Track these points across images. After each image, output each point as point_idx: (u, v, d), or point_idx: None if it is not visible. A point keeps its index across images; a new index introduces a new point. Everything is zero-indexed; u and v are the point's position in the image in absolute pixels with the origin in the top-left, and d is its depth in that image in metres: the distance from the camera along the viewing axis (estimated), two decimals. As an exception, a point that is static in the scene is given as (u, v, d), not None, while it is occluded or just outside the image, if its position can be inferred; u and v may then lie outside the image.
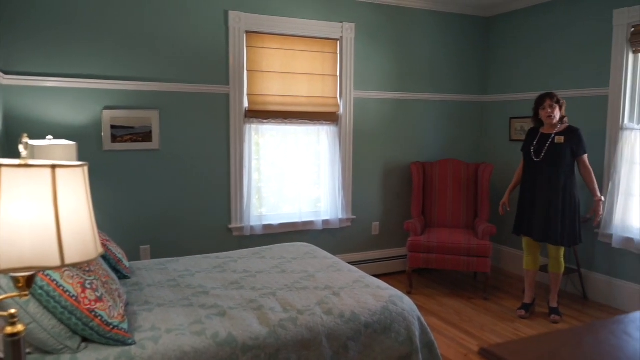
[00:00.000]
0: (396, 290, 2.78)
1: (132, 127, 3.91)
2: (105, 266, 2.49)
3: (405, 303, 2.65)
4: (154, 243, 4.07)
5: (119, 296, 2.25)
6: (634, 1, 3.94)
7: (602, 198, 3.84)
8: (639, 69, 4.04)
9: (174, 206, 4.12)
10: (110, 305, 2.06)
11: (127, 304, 2.41)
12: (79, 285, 1.99)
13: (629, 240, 4.02)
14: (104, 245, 2.77)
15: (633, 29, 3.98)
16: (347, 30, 4.63)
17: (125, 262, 2.93)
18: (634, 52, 4.02)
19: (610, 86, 4.13)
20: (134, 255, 3.90)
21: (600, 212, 3.83)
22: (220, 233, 4.32)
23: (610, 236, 4.12)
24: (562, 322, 3.88)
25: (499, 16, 5.22)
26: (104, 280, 2.20)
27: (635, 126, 4.03)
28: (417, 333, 2.58)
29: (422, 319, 2.68)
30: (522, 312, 3.98)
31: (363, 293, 2.68)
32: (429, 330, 2.67)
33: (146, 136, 3.96)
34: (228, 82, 4.21)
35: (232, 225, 4.35)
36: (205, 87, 4.14)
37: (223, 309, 2.43)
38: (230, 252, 3.55)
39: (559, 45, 4.60)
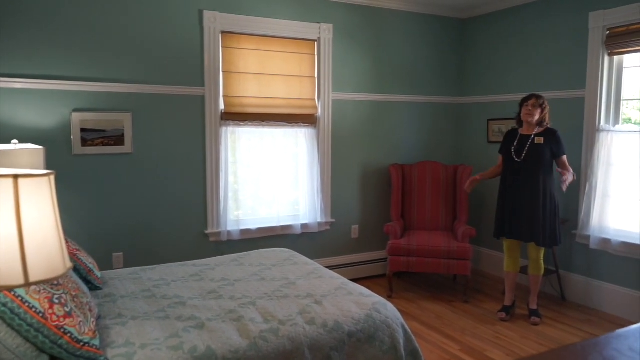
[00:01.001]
0: (379, 297, 2.72)
1: (103, 130, 3.76)
2: (75, 278, 2.36)
3: (389, 310, 2.59)
4: (128, 250, 3.93)
5: (90, 310, 2.13)
6: (609, 4, 3.97)
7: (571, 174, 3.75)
8: (614, 71, 4.08)
9: (148, 212, 3.99)
10: (80, 321, 1.94)
11: (98, 318, 2.28)
12: (46, 300, 1.87)
13: (606, 241, 4.05)
14: (73, 254, 2.64)
15: (608, 32, 4.02)
16: (324, 31, 4.56)
17: (97, 272, 2.79)
18: (610, 55, 4.05)
19: (587, 88, 4.17)
20: (106, 264, 3.75)
21: (567, 179, 3.69)
22: (197, 239, 4.20)
23: (588, 237, 4.15)
24: (542, 323, 3.88)
25: (476, 18, 5.22)
26: (73, 293, 2.08)
27: (611, 128, 4.06)
28: (401, 341, 2.53)
29: (406, 326, 2.62)
30: (503, 315, 3.97)
31: (346, 301, 2.61)
32: (413, 337, 2.62)
33: (118, 139, 3.82)
34: (203, 83, 4.10)
35: (209, 231, 4.23)
36: (179, 88, 4.02)
37: (201, 320, 2.33)
38: (208, 259, 3.44)
39: (535, 47, 4.62)
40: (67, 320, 1.88)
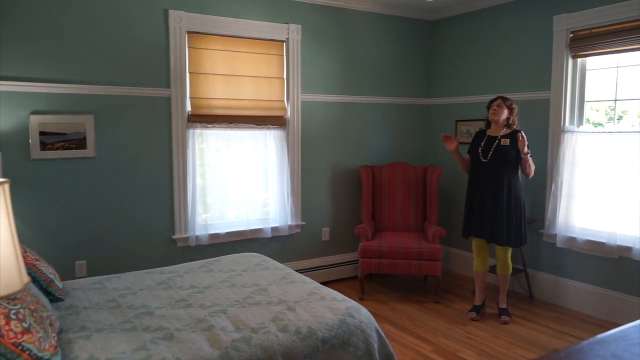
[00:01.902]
0: (353, 301, 2.68)
1: (63, 134, 3.61)
2: (34, 290, 2.24)
3: (363, 315, 2.56)
4: (91, 258, 3.78)
5: (51, 324, 2.02)
6: (573, 8, 4.05)
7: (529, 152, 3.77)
8: (578, 73, 4.16)
9: (112, 217, 3.85)
10: (40, 337, 1.84)
11: (60, 332, 2.17)
12: (1, 316, 1.76)
13: (572, 239, 4.13)
14: (32, 265, 2.51)
15: (572, 35, 4.10)
16: (293, 32, 4.51)
17: (58, 283, 2.66)
18: (573, 57, 4.14)
19: (552, 90, 4.24)
20: (68, 273, 3.59)
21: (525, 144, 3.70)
22: (164, 244, 4.08)
23: (555, 236, 4.22)
24: (512, 322, 3.93)
25: (444, 20, 5.27)
26: (32, 307, 1.97)
27: (576, 129, 4.15)
28: (375, 345, 2.50)
29: (380, 330, 2.60)
30: (473, 314, 4.00)
31: (319, 306, 2.56)
32: (387, 341, 2.60)
33: (80, 143, 3.68)
34: (169, 84, 3.99)
35: (176, 236, 4.12)
36: (144, 90, 3.90)
37: (170, 331, 2.24)
38: (176, 265, 3.34)
39: (502, 49, 4.68)
40: (26, 337, 1.77)
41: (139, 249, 3.97)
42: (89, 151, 3.71)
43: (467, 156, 4.10)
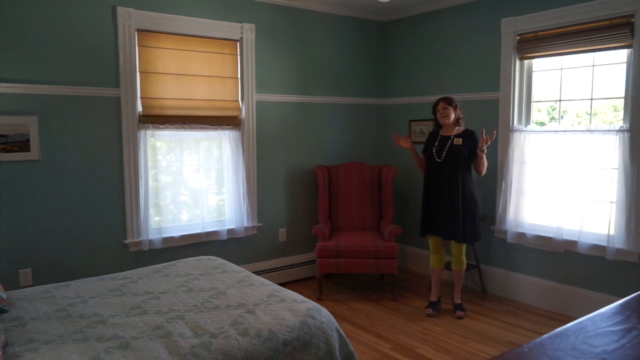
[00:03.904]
0: (313, 302, 2.67)
1: (5, 136, 3.42)
2: (-25, 302, 2.10)
3: (324, 316, 2.55)
4: (36, 266, 3.60)
5: (-5, 338, 1.90)
6: (519, 11, 4.20)
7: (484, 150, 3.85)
8: (525, 74, 4.32)
9: (60, 222, 3.68)
10: (-16, 352, 1.73)
11: (5, 345, 2.05)
12: (-59, 331, 1.64)
13: (522, 234, 4.28)
14: (-27, 275, 2.36)
15: (519, 37, 4.24)
16: (247, 31, 4.46)
17: (2, 294, 2.52)
18: (521, 59, 4.29)
19: (501, 90, 4.38)
20: (12, 282, 3.41)
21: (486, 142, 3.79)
22: (116, 250, 3.94)
23: (505, 232, 4.36)
24: (467, 317, 4.03)
25: (396, 21, 5.34)
26: (-26, 320, 1.85)
27: (524, 128, 4.30)
28: (336, 346, 2.50)
29: (341, 330, 2.60)
30: (430, 311, 4.08)
31: (279, 308, 2.54)
32: (347, 341, 2.60)
33: (23, 145, 3.49)
34: (118, 84, 3.85)
35: (129, 240, 3.98)
36: (92, 89, 3.75)
37: (125, 340, 2.16)
38: (129, 271, 3.22)
39: (453, 50, 4.79)
40: (-32, 352, 1.66)
41: (89, 255, 3.81)
42: (33, 154, 3.54)
43: (422, 155, 4.17)
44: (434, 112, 4.01)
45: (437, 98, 4.04)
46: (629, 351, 1.11)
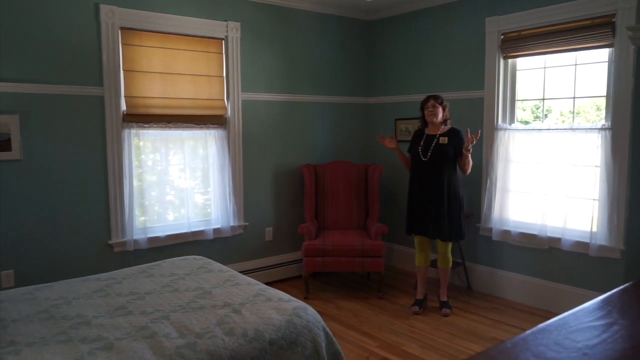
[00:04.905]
0: (299, 301, 2.66)
1: (-15, 135, 3.37)
2: (-45, 304, 2.07)
3: (310, 314, 2.55)
4: (19, 267, 3.55)
5: (-24, 340, 1.87)
6: (503, 10, 4.23)
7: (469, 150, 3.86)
8: (509, 73, 4.36)
9: (43, 223, 3.63)
10: (-36, 354, 1.70)
11: (-14, 348, 2.02)
12: None
13: (506, 232, 4.32)
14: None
15: (503, 36, 4.28)
16: (232, 30, 4.43)
17: (-17, 295, 2.48)
18: (505, 58, 4.32)
19: (485, 89, 4.41)
20: (-7, 284, 3.36)
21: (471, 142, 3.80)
22: (100, 250, 3.90)
23: (490, 230, 4.40)
24: (453, 314, 4.05)
25: (382, 20, 5.35)
26: (-46, 323, 1.81)
27: (508, 126, 4.33)
28: (323, 344, 2.49)
29: (327, 328, 2.59)
30: (416, 308, 4.10)
31: (265, 307, 2.53)
32: (334, 339, 2.60)
33: (4, 145, 3.44)
34: (102, 83, 3.81)
35: (113, 241, 3.95)
36: (75, 88, 3.70)
37: (109, 340, 2.14)
38: (113, 272, 3.19)
39: (439, 49, 4.82)
40: (-53, 355, 1.63)
41: (73, 256, 3.77)
42: (15, 153, 3.48)
43: (408, 154, 4.19)
44: (422, 108, 4.02)
45: (427, 95, 4.03)
46: (610, 345, 1.12)
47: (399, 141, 5.15)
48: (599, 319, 1.28)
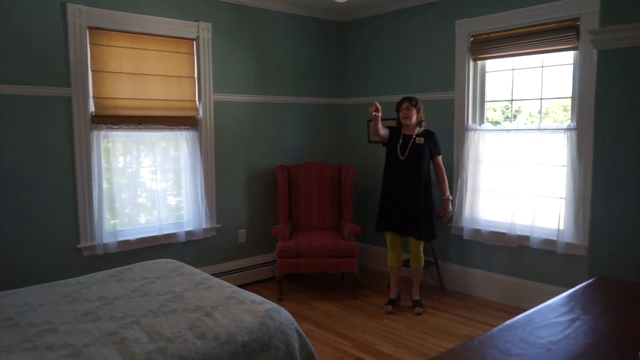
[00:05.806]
0: (272, 303, 2.65)
1: (-54, 137, 3.26)
2: None
3: (283, 316, 2.54)
4: (-17, 273, 3.45)
5: (-64, 350, 1.81)
6: (473, 13, 4.30)
7: (450, 197, 4.14)
8: (479, 75, 4.43)
9: (7, 227, 3.53)
10: None
11: (-53, 357, 1.95)
12: None
13: (477, 231, 4.39)
14: None
15: (472, 39, 4.35)
16: (203, 30, 4.40)
17: (-56, 303, 2.39)
18: (474, 60, 4.39)
19: (456, 90, 4.48)
20: (-45, 291, 3.25)
21: (449, 210, 4.14)
22: (68, 255, 3.81)
23: (462, 229, 4.46)
24: (425, 313, 4.10)
25: (354, 21, 5.38)
26: None
27: (478, 127, 4.41)
28: (296, 346, 2.49)
29: (300, 330, 2.59)
30: (389, 308, 4.13)
31: (238, 310, 2.51)
32: (307, 340, 2.60)
33: (-34, 147, 3.34)
34: (69, 83, 3.73)
35: (82, 245, 3.86)
36: (41, 89, 3.62)
37: (77, 347, 2.09)
38: (82, 276, 3.12)
39: (410, 51, 4.87)
40: None
41: (39, 261, 3.67)
42: (-22, 156, 3.38)
43: (385, 130, 4.03)
44: (397, 110, 4.06)
45: (402, 97, 4.09)
46: (572, 340, 1.15)
47: (371, 142, 5.20)
48: (563, 314, 1.31)
